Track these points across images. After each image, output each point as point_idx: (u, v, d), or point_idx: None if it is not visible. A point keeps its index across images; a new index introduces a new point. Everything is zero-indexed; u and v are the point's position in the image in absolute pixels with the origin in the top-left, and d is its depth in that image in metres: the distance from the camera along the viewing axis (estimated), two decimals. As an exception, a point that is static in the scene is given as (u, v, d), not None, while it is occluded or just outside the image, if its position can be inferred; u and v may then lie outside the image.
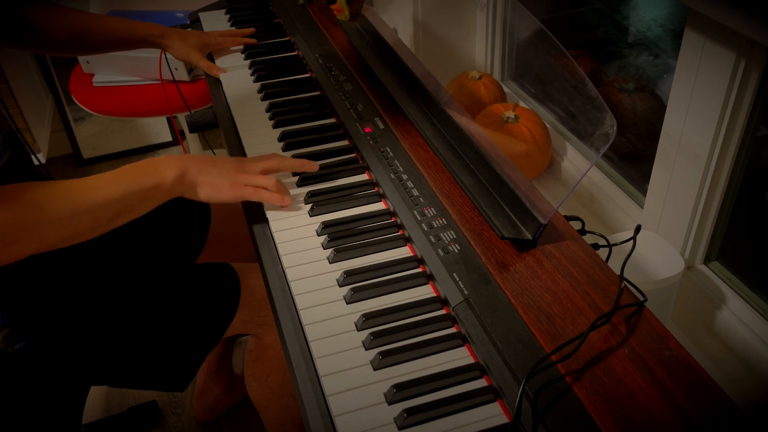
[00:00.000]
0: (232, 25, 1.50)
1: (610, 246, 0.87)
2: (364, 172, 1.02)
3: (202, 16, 1.56)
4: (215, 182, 0.91)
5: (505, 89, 1.69)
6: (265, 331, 1.12)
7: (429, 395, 0.69)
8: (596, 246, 0.87)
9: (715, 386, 0.66)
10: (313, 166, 0.99)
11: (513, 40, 1.68)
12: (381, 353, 0.73)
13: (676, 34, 1.44)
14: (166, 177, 0.88)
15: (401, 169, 0.98)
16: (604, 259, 0.82)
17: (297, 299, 0.81)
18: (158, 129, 2.55)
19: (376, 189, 0.99)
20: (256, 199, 0.94)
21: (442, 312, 0.79)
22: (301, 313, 0.79)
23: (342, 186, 0.99)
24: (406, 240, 0.89)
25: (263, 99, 1.23)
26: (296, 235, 0.91)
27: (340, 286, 0.83)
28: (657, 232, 1.21)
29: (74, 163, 2.50)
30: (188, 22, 1.58)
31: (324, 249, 0.88)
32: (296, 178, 1.00)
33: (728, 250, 1.17)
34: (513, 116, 1.41)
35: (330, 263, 0.86)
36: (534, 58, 1.50)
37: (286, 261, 0.87)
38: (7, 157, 0.98)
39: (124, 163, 0.87)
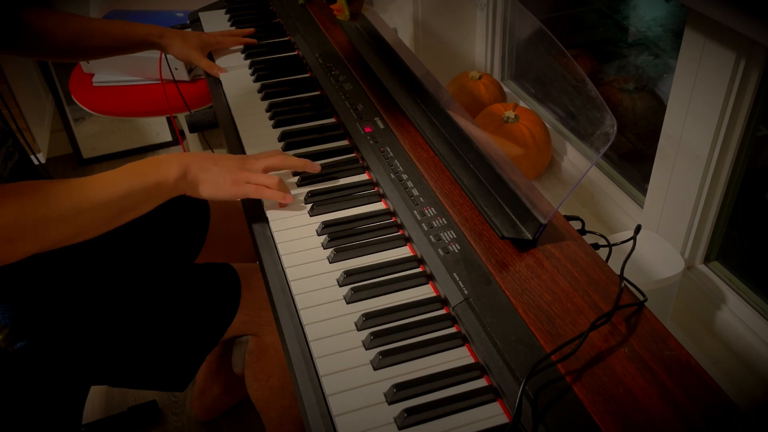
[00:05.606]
0: (232, 25, 1.50)
1: (610, 246, 0.87)
2: (364, 172, 1.02)
3: (202, 16, 1.56)
4: (217, 180, 0.91)
5: (505, 89, 1.69)
6: (265, 331, 1.12)
7: (429, 395, 0.69)
8: (596, 246, 0.87)
9: (715, 386, 0.66)
10: (315, 167, 0.99)
11: (513, 40, 1.69)
12: (381, 353, 0.73)
13: (676, 34, 1.44)
14: (169, 175, 0.88)
15: (401, 168, 0.98)
16: (604, 259, 0.82)
17: (297, 299, 0.81)
18: (158, 129, 2.55)
19: (376, 189, 0.99)
20: (257, 197, 0.94)
21: (442, 312, 0.79)
22: (301, 313, 0.79)
23: (342, 186, 0.99)
24: (406, 240, 0.89)
25: (263, 99, 1.23)
26: (296, 235, 0.91)
27: (340, 285, 0.83)
28: (657, 232, 1.21)
29: (74, 163, 2.50)
30: (188, 22, 1.58)
31: (324, 249, 0.88)
32: (296, 178, 1.01)
33: (728, 250, 1.17)
34: (513, 116, 1.41)
35: (330, 263, 0.86)
36: (534, 58, 1.50)
37: (286, 261, 0.87)
38: (16, 159, 0.99)
39: (124, 163, 0.88)
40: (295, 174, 1.01)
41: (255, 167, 0.94)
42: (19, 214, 0.75)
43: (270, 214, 0.95)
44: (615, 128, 0.75)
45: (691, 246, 1.16)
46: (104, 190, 0.82)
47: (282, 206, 0.96)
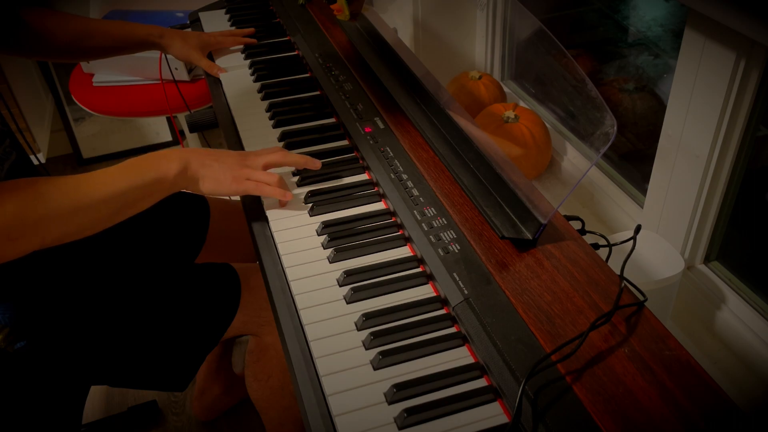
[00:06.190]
0: (232, 25, 1.50)
1: (610, 246, 0.87)
2: (364, 172, 1.02)
3: (202, 16, 1.56)
4: (217, 176, 0.91)
5: (505, 89, 1.69)
6: (265, 331, 1.12)
7: (429, 395, 0.69)
8: (596, 246, 0.87)
9: (715, 386, 0.66)
10: (316, 164, 0.99)
11: (513, 40, 1.69)
12: (381, 353, 0.73)
13: (676, 34, 1.44)
14: (169, 171, 0.87)
15: (401, 168, 0.98)
16: (604, 259, 0.82)
17: (297, 299, 0.81)
18: (158, 129, 2.55)
19: (376, 189, 0.99)
20: (257, 194, 0.93)
21: (442, 312, 0.79)
22: (301, 313, 0.79)
23: (342, 186, 0.99)
24: (406, 240, 0.89)
25: (263, 99, 1.23)
26: (296, 234, 0.91)
27: (340, 285, 0.83)
28: (657, 232, 1.21)
29: (74, 163, 2.50)
30: (188, 22, 1.58)
31: (324, 249, 0.88)
32: (296, 179, 1.01)
33: (728, 250, 1.17)
34: (513, 116, 1.41)
35: (330, 263, 0.86)
36: (534, 58, 1.50)
37: (286, 261, 0.87)
38: (13, 159, 0.99)
39: (124, 163, 0.87)
40: (295, 174, 1.01)
41: (255, 164, 0.94)
42: (19, 212, 0.75)
43: (270, 213, 0.95)
44: (615, 128, 0.75)
45: (691, 246, 1.16)
46: (104, 187, 0.82)
47: (282, 204, 0.96)
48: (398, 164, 0.99)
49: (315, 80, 1.25)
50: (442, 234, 0.86)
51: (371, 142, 1.04)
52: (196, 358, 1.08)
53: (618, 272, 0.78)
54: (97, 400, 1.66)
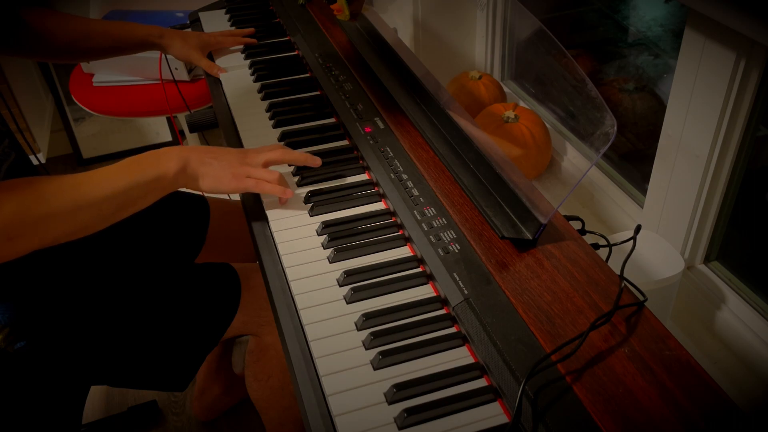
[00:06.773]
0: (232, 25, 1.50)
1: (610, 246, 0.87)
2: (364, 172, 1.02)
3: (202, 16, 1.56)
4: (217, 174, 0.91)
5: (505, 89, 1.69)
6: (265, 331, 1.12)
7: (429, 395, 0.69)
8: (596, 246, 0.87)
9: (715, 386, 0.66)
10: (316, 161, 0.99)
11: (513, 40, 1.69)
12: (381, 353, 0.73)
13: (676, 34, 1.44)
14: (168, 169, 0.87)
15: (401, 168, 0.98)
16: (604, 259, 0.82)
17: (297, 299, 0.81)
18: (158, 129, 2.55)
19: (376, 189, 0.99)
20: (257, 191, 0.93)
21: (442, 312, 0.79)
22: (301, 313, 0.79)
23: (342, 186, 0.99)
24: (406, 240, 0.89)
25: (263, 99, 1.23)
26: (296, 235, 0.91)
27: (340, 285, 0.83)
28: (657, 232, 1.21)
29: (74, 163, 2.50)
30: (188, 22, 1.58)
31: (324, 249, 0.88)
32: (297, 179, 1.01)
33: (728, 250, 1.17)
34: (513, 116, 1.41)
35: (330, 263, 0.86)
36: (534, 58, 1.50)
37: (286, 261, 0.87)
38: (12, 159, 0.99)
39: (124, 163, 0.87)
40: (295, 174, 1.01)
41: (255, 161, 0.94)
42: (19, 211, 0.75)
43: (270, 213, 0.95)
44: (615, 128, 0.75)
45: (691, 246, 1.16)
46: (103, 186, 0.82)
47: (282, 202, 0.96)
48: (398, 164, 0.99)
49: (315, 80, 1.26)
50: (442, 234, 0.86)
51: (371, 142, 1.04)
52: (196, 358, 1.08)
53: (618, 272, 0.78)
54: (97, 400, 1.66)
